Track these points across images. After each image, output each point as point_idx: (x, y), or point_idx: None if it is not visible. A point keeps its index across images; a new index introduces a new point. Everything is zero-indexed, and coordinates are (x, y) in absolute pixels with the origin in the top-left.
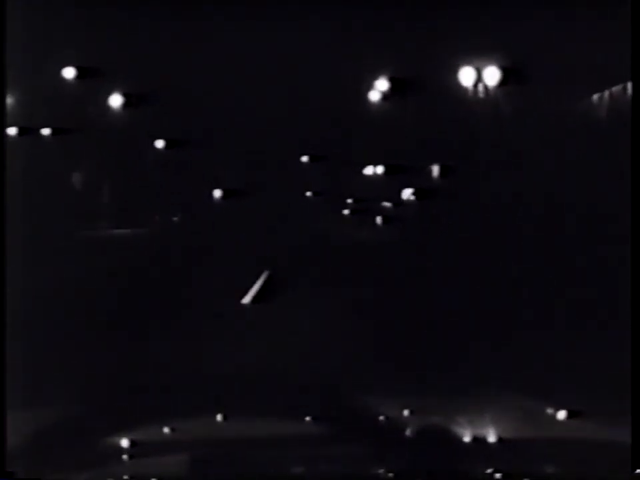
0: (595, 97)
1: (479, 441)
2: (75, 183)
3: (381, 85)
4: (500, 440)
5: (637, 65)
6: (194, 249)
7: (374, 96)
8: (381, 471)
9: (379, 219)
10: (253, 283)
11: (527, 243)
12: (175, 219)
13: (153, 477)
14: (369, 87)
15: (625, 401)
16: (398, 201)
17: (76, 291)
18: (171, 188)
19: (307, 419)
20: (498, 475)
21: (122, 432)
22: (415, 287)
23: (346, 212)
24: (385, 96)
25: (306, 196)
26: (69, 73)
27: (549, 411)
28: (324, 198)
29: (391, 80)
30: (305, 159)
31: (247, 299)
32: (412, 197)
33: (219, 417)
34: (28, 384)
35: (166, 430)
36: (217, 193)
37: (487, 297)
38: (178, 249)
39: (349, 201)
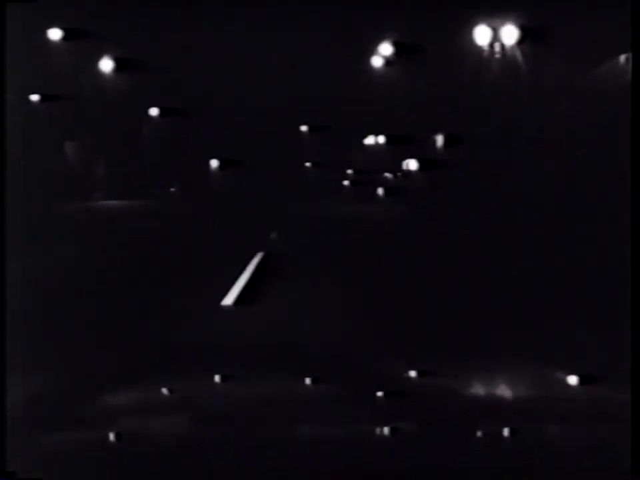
0: (622, 57)
1: (485, 401)
2: (67, 152)
3: (385, 49)
4: (507, 400)
5: (637, 64)
6: (191, 220)
7: (377, 62)
8: (385, 431)
9: (380, 191)
10: (245, 265)
11: (537, 213)
12: (172, 189)
13: (151, 438)
14: (372, 51)
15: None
16: (401, 171)
17: (73, 263)
18: (166, 158)
19: (307, 381)
20: (507, 434)
21: (120, 392)
22: (420, 256)
23: (346, 183)
24: (389, 61)
25: (305, 166)
26: (55, 34)
27: (558, 375)
28: (323, 169)
29: (396, 44)
30: (304, 128)
31: (228, 300)
32: (415, 167)
33: (217, 378)
34: (26, 339)
35: (164, 391)
36: (214, 164)
37: (493, 269)
38: (175, 220)
39: (350, 171)
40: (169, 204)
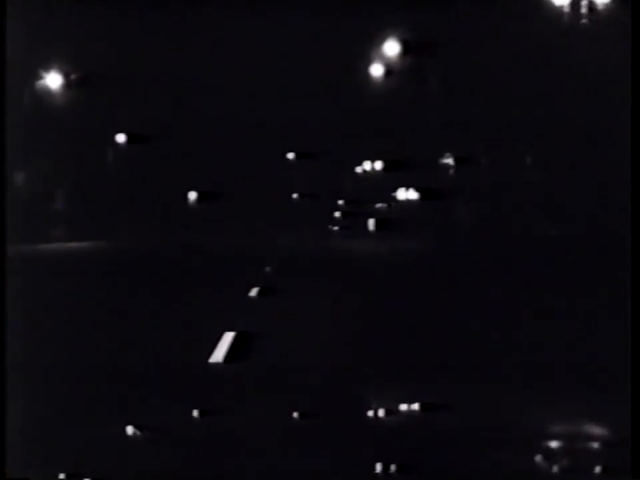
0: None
1: (477, 433)
2: (20, 185)
3: (390, 48)
4: (500, 431)
5: (637, 66)
6: (167, 260)
7: (376, 70)
8: (378, 467)
9: (372, 223)
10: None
11: (546, 249)
12: (146, 226)
13: (132, 473)
14: (372, 54)
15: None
16: (395, 201)
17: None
18: (136, 191)
19: (295, 415)
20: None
21: (100, 428)
22: (418, 293)
23: (337, 214)
24: (390, 69)
25: (292, 198)
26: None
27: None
28: (312, 200)
29: (403, 42)
30: (290, 156)
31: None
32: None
33: (195, 413)
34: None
35: (134, 430)
36: (192, 196)
37: (493, 304)
38: (148, 260)
39: (340, 202)
40: (140, 243)
